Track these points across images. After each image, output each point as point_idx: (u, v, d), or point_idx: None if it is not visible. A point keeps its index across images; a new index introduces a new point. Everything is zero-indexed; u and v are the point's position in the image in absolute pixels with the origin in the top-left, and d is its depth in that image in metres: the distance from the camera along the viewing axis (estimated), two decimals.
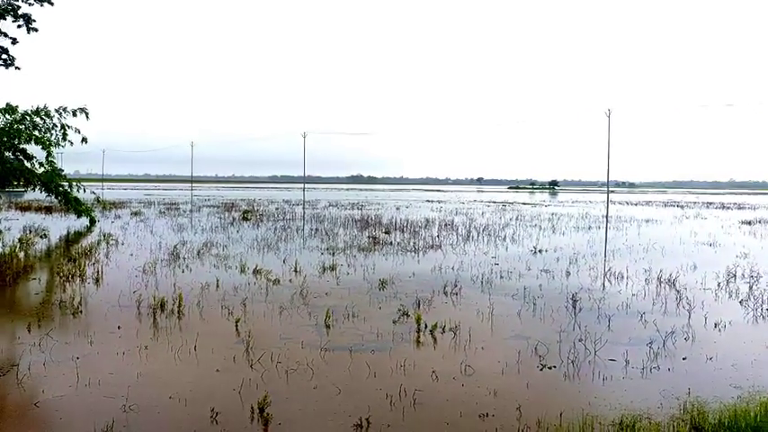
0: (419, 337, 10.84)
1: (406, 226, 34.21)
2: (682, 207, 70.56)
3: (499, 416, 7.33)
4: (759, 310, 13.36)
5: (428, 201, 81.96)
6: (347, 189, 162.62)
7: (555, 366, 9.25)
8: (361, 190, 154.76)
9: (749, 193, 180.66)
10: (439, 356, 9.74)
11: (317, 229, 31.95)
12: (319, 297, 14.06)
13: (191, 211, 49.53)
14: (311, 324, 11.57)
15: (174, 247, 22.91)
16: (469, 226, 35.37)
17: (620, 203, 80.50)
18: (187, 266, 18.45)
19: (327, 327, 11.38)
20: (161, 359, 9.38)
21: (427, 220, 39.38)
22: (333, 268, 18.35)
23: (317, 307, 12.88)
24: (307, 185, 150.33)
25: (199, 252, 21.73)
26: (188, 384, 8.25)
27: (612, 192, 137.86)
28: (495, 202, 78.59)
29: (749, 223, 42.02)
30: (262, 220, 38.47)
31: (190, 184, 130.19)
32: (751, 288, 15.86)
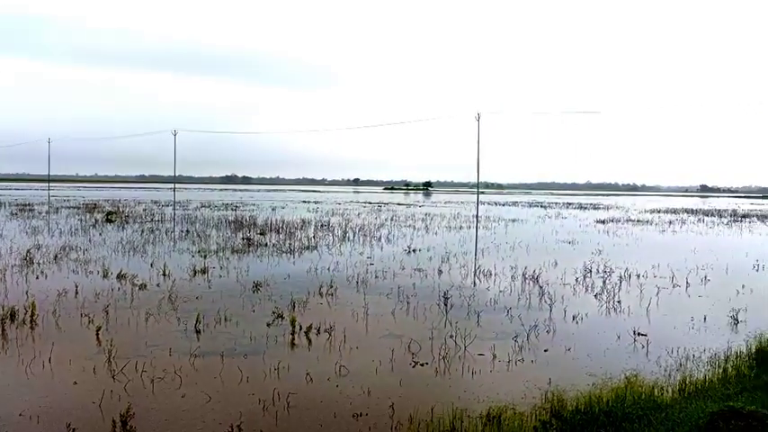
0: (294, 339, 10.72)
1: (282, 227, 33.83)
2: (545, 207, 75.04)
3: (372, 415, 7.39)
4: (611, 302, 14.42)
5: (304, 201, 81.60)
6: (221, 189, 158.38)
7: (427, 363, 9.47)
8: (235, 190, 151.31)
9: (603, 194, 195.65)
10: (314, 358, 9.67)
11: (188, 231, 30.81)
12: (189, 301, 13.54)
13: (47, 212, 46.09)
14: (180, 330, 11.10)
15: (28, 251, 21.19)
16: (345, 227, 35.57)
17: (489, 204, 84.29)
18: (42, 272, 17.14)
19: (198, 332, 10.97)
20: (10, 374, 8.62)
21: (303, 221, 39.17)
22: (204, 271, 17.75)
23: (187, 312, 12.39)
24: (177, 185, 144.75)
25: (56, 256, 20.25)
26: (41, 399, 7.63)
27: (482, 192, 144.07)
28: (370, 203, 79.63)
29: (603, 222, 45.40)
30: (128, 222, 36.55)
31: (47, 184, 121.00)
32: (604, 282, 17.10)
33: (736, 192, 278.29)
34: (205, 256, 21.09)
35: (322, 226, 35.72)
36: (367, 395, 8.04)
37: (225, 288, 15.19)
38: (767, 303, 14.66)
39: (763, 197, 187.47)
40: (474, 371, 9.17)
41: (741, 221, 49.09)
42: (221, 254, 21.93)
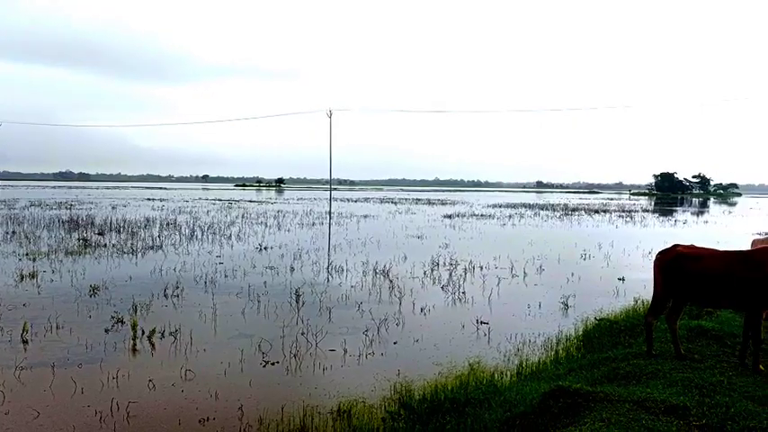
0: (135, 344, 10.11)
1: (123, 226, 31.88)
2: (395, 203, 77.09)
3: (220, 418, 7.15)
4: (456, 293, 15.08)
5: (149, 199, 77.44)
6: (54, 187, 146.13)
7: (278, 362, 9.34)
8: (70, 188, 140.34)
9: (450, 190, 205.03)
10: (157, 363, 9.19)
11: (13, 232, 28.10)
12: (15, 309, 12.34)
13: None
14: (3, 341, 10.08)
15: None
16: (193, 225, 34.25)
17: (341, 200, 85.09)
18: None
19: (24, 342, 10.03)
20: None
21: (147, 220, 37.16)
22: (33, 275, 16.27)
23: (12, 321, 11.28)
24: (2, 183, 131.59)
25: None
26: None
27: (335, 189, 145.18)
28: (221, 200, 77.31)
29: (450, 217, 47.44)
30: None
31: None
32: (450, 275, 17.85)
33: (566, 187, 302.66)
34: (34, 259, 19.35)
35: (168, 224, 34.11)
36: (214, 398, 7.76)
37: (57, 293, 14.01)
38: (592, 290, 16.00)
39: (589, 192, 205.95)
40: (325, 367, 9.18)
41: (571, 215, 53.42)
42: (53, 256, 20.22)
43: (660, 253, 7.91)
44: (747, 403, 5.88)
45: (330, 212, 50.69)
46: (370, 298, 14.35)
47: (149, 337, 10.39)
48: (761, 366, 7.10)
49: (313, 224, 38.02)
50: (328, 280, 16.92)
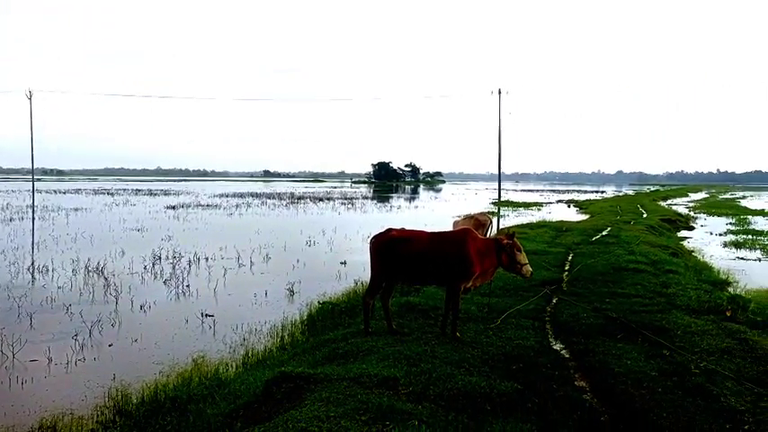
0: None
1: None
2: (112, 194, 71.30)
3: None
4: (180, 287, 14.48)
5: None
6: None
7: None
8: None
9: (174, 180, 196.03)
10: None
11: None
12: None
13: None
14: None
15: None
16: None
17: (47, 192, 76.09)
18: None
19: None
20: None
21: None
22: None
23: None
24: None
25: None
26: None
27: (39, 180, 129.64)
28: None
29: (174, 208, 45.40)
30: None
31: None
32: (174, 268, 17.08)
33: (293, 176, 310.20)
34: None
35: None
36: None
37: None
38: (316, 275, 16.59)
39: (314, 181, 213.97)
40: (25, 380, 8.11)
41: (297, 203, 54.89)
42: None
43: (375, 237, 8.43)
44: (447, 368, 6.58)
45: (33, 206, 45.05)
46: (82, 299, 13.06)
47: None
48: (458, 334, 8.02)
49: (11, 219, 33.39)
50: (30, 282, 15.00)
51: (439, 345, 7.54)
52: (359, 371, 6.28)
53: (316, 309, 11.58)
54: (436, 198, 75.68)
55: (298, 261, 18.82)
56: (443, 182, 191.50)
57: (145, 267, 17.19)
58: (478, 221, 14.91)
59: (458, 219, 16.26)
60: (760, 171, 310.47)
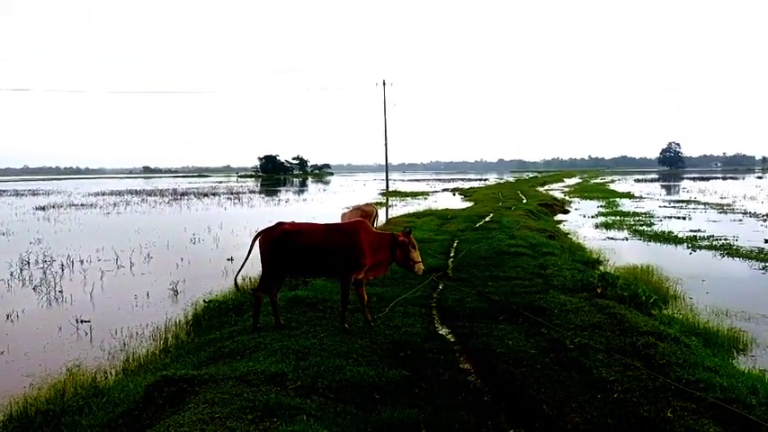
0: None
1: None
2: None
3: None
4: (52, 293, 13.57)
5: None
6: None
7: None
8: None
9: (43, 179, 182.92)
10: None
11: None
12: None
13: None
14: None
15: None
16: None
17: None
18: None
19: None
20: None
21: None
22: None
23: None
24: None
25: None
26: None
27: None
28: None
29: (43, 209, 42.42)
30: None
31: None
32: (45, 273, 15.99)
33: (176, 172, 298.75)
34: None
35: None
36: None
37: None
38: (202, 273, 16.09)
39: (199, 176, 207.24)
40: None
41: (181, 199, 52.98)
42: None
43: (265, 231, 8.22)
44: (335, 360, 6.57)
45: None
46: None
47: None
48: (346, 325, 8.04)
49: None
50: None
51: (327, 337, 7.51)
52: (245, 369, 6.14)
53: (201, 308, 11.22)
54: (325, 190, 75.58)
55: (182, 260, 18.17)
56: (332, 174, 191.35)
57: (11, 274, 15.95)
58: (365, 212, 15.05)
59: (346, 210, 16.32)
60: (626, 156, 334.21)
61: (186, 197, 56.70)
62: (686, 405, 5.61)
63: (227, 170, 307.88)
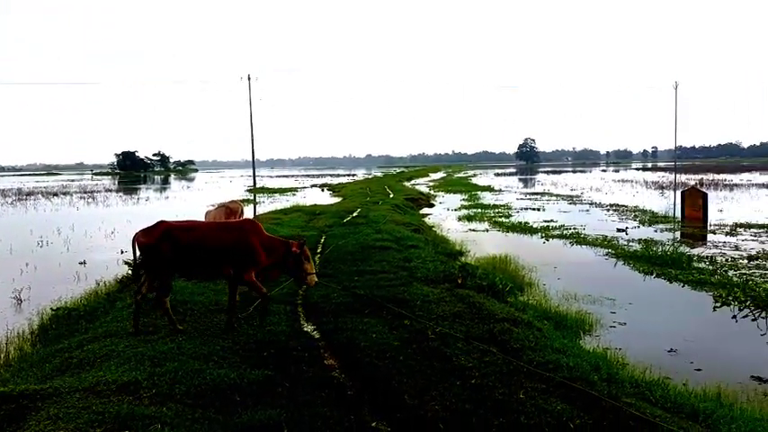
0: None
1: None
2: None
3: None
4: None
5: None
6: None
7: None
8: None
9: None
10: None
11: None
12: None
13: None
14: None
15: None
16: None
17: None
18: None
19: None
20: None
21: None
22: None
23: None
24: None
25: None
26: None
27: None
28: None
29: None
30: None
31: None
32: None
33: (20, 170, 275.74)
34: None
35: None
36: None
37: None
38: (50, 278, 14.94)
39: (47, 174, 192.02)
40: None
41: (26, 200, 48.91)
42: None
43: (145, 231, 7.70)
44: (195, 363, 6.32)
45: None
46: None
47: None
48: (234, 324, 7.84)
49: None
50: None
51: (187, 340, 7.21)
52: (95, 379, 5.74)
53: (49, 316, 10.38)
54: (189, 187, 72.93)
55: (27, 265, 16.74)
56: (196, 170, 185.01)
57: None
58: (230, 209, 14.61)
59: (211, 208, 15.74)
60: (487, 151, 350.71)
61: (33, 197, 52.43)
62: (537, 386, 5.95)
63: (80, 167, 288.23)
